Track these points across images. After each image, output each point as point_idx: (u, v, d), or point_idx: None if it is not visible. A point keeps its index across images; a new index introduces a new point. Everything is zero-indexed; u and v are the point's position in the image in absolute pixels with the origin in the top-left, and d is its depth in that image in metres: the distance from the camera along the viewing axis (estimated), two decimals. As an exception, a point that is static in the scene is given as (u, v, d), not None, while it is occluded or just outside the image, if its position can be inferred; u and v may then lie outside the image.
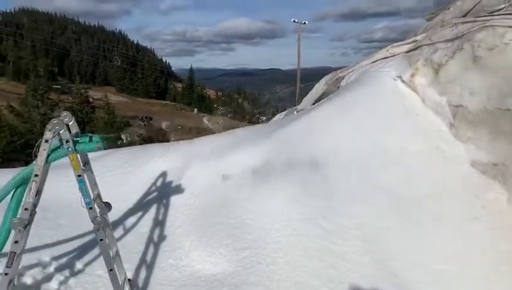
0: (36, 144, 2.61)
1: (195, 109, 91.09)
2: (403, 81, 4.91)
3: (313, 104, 6.91)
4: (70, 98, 26.57)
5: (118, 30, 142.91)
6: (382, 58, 5.99)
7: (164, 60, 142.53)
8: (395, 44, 5.91)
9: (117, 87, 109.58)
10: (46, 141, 2.53)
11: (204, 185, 4.35)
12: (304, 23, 40.92)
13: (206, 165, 4.61)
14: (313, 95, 7.34)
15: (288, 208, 3.85)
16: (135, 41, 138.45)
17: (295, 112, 7.18)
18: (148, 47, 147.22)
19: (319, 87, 7.20)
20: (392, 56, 5.77)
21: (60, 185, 4.14)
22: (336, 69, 7.38)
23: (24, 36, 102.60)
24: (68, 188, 3.99)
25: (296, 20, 39.65)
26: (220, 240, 3.69)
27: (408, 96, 4.80)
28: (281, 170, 4.22)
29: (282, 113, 8.33)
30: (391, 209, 3.82)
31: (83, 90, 25.29)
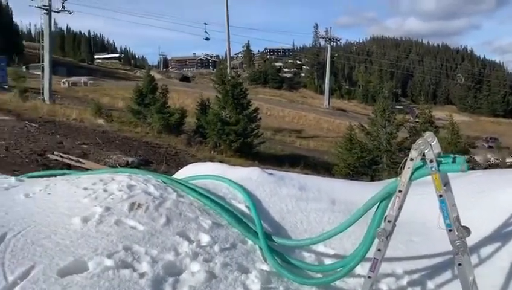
0: (401, 162, 2.81)
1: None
2: None
3: None
4: (411, 118, 27.31)
5: (462, 47, 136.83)
6: None
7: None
8: None
9: (459, 106, 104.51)
10: (412, 160, 2.69)
11: None
12: None
13: None
14: None
15: None
16: (481, 57, 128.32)
17: None
18: (497, 61, 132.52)
19: None
20: None
21: (413, 201, 4.28)
22: None
23: (373, 62, 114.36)
24: (420, 205, 4.10)
25: None
26: None
27: None
28: None
29: None
30: None
31: (427, 110, 25.47)
